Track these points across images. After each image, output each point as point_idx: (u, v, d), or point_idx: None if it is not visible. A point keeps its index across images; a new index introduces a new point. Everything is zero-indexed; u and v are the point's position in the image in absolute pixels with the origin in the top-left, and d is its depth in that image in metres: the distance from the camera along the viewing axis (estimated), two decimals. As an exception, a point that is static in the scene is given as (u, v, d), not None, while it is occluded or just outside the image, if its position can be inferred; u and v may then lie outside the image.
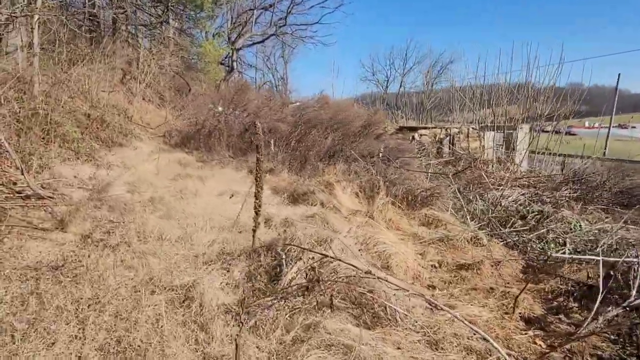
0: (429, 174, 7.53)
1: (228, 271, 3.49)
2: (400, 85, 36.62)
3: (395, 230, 5.16)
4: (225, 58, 24.67)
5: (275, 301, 2.85)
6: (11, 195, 5.37)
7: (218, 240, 4.24)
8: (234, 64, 25.19)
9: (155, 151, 10.49)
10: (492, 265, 4.11)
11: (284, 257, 3.46)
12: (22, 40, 10.19)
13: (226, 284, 3.25)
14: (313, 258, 3.27)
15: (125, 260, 3.69)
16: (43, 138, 7.57)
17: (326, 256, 3.04)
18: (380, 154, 7.63)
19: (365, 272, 2.79)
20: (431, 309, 2.77)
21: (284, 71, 35.09)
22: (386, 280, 2.79)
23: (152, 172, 7.78)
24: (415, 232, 5.46)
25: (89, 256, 3.82)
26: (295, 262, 3.27)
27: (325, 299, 2.80)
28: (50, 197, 5.42)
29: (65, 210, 5.01)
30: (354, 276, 2.83)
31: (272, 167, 8.11)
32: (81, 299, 3.06)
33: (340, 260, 2.96)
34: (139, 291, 3.16)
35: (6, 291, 3.12)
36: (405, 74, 36.85)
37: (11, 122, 7.17)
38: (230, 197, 5.61)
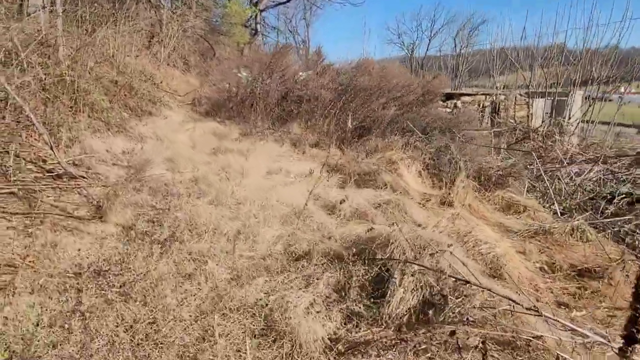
0: (503, 149, 6.58)
1: (309, 284, 2.76)
2: (428, 49, 34.71)
3: (479, 220, 4.33)
4: (248, 20, 23.36)
5: (387, 337, 2.13)
6: (41, 174, 4.71)
7: (284, 236, 3.51)
8: (258, 26, 23.88)
9: (186, 120, 9.74)
10: (621, 271, 3.29)
11: (388, 271, 2.69)
12: (43, 1, 9.35)
13: (312, 302, 2.52)
14: (422, 271, 2.51)
15: (181, 265, 3.00)
16: (71, 107, 6.85)
17: (457, 279, 2.28)
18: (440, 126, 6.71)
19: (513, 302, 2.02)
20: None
21: (306, 34, 33.50)
22: (537, 312, 2.02)
23: (188, 145, 7.05)
24: (499, 221, 4.63)
25: (135, 256, 3.13)
26: (401, 275, 2.52)
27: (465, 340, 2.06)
28: (84, 177, 4.75)
29: (102, 194, 4.33)
30: (503, 309, 2.08)
31: (317, 140, 7.28)
32: (135, 322, 2.38)
33: (482, 287, 2.19)
34: (206, 313, 2.47)
35: (43, 309, 2.46)
36: (433, 36, 34.79)
37: (37, 91, 6.45)
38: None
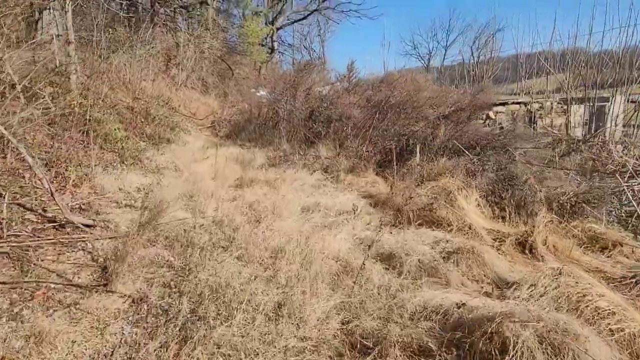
0: (571, 171, 5.58)
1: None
2: (444, 58, 33.80)
3: (569, 265, 3.36)
4: (265, 39, 22.92)
5: None
6: (41, 225, 3.97)
7: (340, 314, 2.63)
8: (275, 44, 23.40)
9: (206, 146, 9.03)
10: None
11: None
12: (57, 28, 8.86)
13: None
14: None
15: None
16: (82, 141, 6.18)
17: None
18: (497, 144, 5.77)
19: None
20: None
21: (321, 50, 32.97)
22: None
23: (209, 176, 6.28)
24: (593, 264, 3.65)
25: (146, 350, 2.30)
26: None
27: None
28: (89, 226, 3.99)
29: (109, 249, 3.55)
30: None
31: (352, 165, 6.42)
32: None
33: None
34: None
35: None
36: (449, 45, 33.88)
37: (43, 124, 5.81)
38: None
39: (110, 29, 10.63)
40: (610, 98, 12.82)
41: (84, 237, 3.71)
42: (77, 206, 4.40)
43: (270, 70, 22.09)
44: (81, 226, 3.84)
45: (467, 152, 5.73)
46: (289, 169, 6.17)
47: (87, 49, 9.64)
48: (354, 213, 4.23)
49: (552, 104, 12.72)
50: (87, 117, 6.72)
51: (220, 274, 3.06)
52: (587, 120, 13.35)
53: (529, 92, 17.55)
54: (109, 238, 3.80)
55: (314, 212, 4.54)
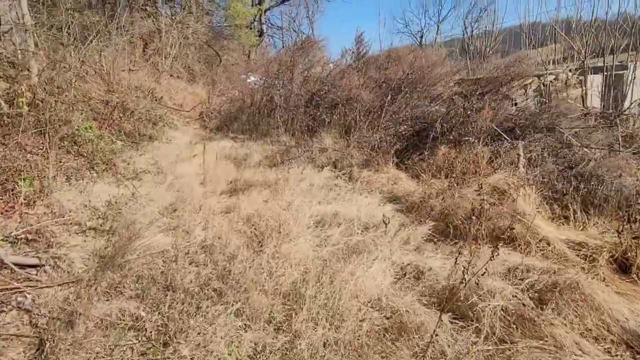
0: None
1: None
2: (437, 34, 32.39)
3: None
4: (253, 22, 21.45)
5: None
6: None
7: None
8: (263, 27, 21.95)
9: (195, 141, 7.89)
10: None
11: None
12: (18, 16, 7.59)
13: None
14: None
15: None
16: (42, 145, 5.04)
17: None
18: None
19: None
20: None
21: (310, 32, 31.38)
22: None
23: (197, 180, 5.17)
24: None
25: None
26: None
27: None
28: (35, 266, 2.92)
29: (57, 306, 2.49)
30: None
31: (366, 158, 5.33)
32: None
33: None
34: None
35: None
36: (441, 21, 32.40)
37: (-12, 127, 4.68)
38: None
39: (78, 14, 9.34)
40: (630, 65, 11.73)
41: (20, 287, 2.63)
42: (22, 236, 3.30)
43: (260, 55, 20.72)
44: (19, 271, 2.76)
45: (505, 135, 4.65)
46: (292, 165, 5.07)
47: (51, 37, 8.39)
48: (385, 226, 3.17)
49: (566, 74, 11.60)
50: (49, 115, 5.60)
51: (211, 346, 2.00)
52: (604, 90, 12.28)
53: (548, 62, 16.37)
54: (58, 285, 2.72)
55: (331, 225, 3.47)
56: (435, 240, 3.13)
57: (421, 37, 34.26)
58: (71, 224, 3.71)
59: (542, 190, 3.79)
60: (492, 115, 4.68)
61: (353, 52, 7.44)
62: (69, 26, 8.55)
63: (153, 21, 13.85)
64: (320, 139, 6.31)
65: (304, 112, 6.70)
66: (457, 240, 3.12)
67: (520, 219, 3.15)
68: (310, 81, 7.24)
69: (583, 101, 11.70)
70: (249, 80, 14.82)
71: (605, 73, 12.23)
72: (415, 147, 5.36)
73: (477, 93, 5.28)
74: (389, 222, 3.20)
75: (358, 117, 5.99)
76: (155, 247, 3.17)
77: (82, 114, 6.69)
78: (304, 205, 3.94)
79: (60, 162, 4.95)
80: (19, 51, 6.79)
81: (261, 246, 3.19)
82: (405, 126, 6.05)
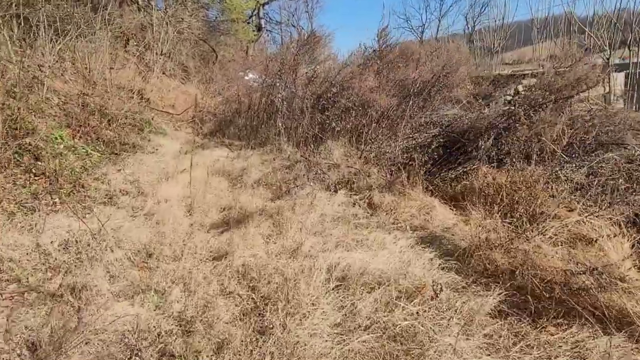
0: None
1: None
2: (438, 29, 31.29)
3: None
4: (250, 17, 20.38)
5: None
6: None
7: None
8: (261, 21, 20.86)
9: (184, 150, 6.89)
10: None
11: None
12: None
13: None
14: None
15: None
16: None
17: None
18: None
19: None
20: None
21: (310, 27, 30.21)
22: None
23: (183, 206, 4.19)
24: None
25: None
26: None
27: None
28: None
29: None
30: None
31: (389, 176, 4.36)
32: None
33: None
34: None
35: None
36: (443, 15, 31.29)
37: None
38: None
39: (61, 5, 8.29)
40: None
41: None
42: None
43: (259, 51, 19.65)
44: None
45: (563, 154, 3.69)
46: (298, 191, 4.10)
47: (22, 29, 7.36)
48: (436, 297, 2.21)
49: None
50: (7, 124, 4.66)
51: None
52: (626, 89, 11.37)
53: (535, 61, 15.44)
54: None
55: (357, 285, 2.51)
56: (509, 318, 2.17)
57: (422, 32, 33.18)
58: (8, 280, 2.74)
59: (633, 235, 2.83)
60: (568, 132, 3.68)
61: (374, 50, 6.41)
62: (43, 18, 7.49)
63: (144, 15, 12.77)
64: (329, 150, 5.34)
65: (310, 118, 5.71)
66: (539, 317, 2.17)
67: (621, 285, 2.20)
68: (315, 82, 6.24)
69: (605, 101, 10.75)
70: (246, 78, 13.82)
71: (630, 70, 11.28)
72: (444, 162, 4.39)
73: (546, 102, 4.26)
74: (440, 290, 2.24)
75: (373, 124, 5.01)
76: (115, 326, 2.21)
77: (53, 120, 5.71)
78: (316, 250, 2.98)
79: (14, 185, 3.97)
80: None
81: (262, 324, 2.23)
82: (431, 136, 5.09)
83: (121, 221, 3.74)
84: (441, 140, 4.92)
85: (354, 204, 4.03)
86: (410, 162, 4.41)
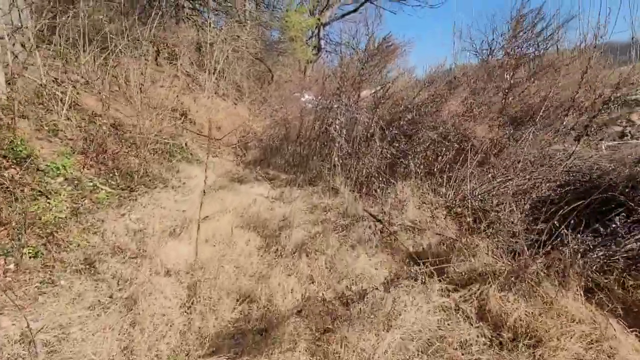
0: None
1: None
2: (505, 54, 28.45)
3: None
4: (310, 37, 19.45)
5: None
6: None
7: None
8: (321, 42, 19.84)
9: (217, 185, 5.57)
10: None
11: None
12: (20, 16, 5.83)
13: None
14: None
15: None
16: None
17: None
18: None
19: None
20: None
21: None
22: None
23: (185, 287, 2.74)
24: None
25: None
26: None
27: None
28: None
29: None
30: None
31: (514, 262, 2.62)
32: None
33: None
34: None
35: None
36: (511, 39, 28.50)
37: None
38: None
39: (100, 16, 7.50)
40: None
41: None
42: None
43: (316, 73, 18.58)
44: None
45: None
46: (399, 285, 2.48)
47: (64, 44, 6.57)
48: None
49: None
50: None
51: None
52: None
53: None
54: None
55: None
56: None
57: (488, 55, 30.51)
58: None
59: None
60: None
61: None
62: (87, 30, 6.64)
63: (199, 32, 12.02)
64: (402, 199, 3.69)
65: (378, 151, 4.12)
66: None
67: None
68: (385, 105, 4.66)
69: None
70: (302, 99, 12.63)
71: None
72: (594, 235, 2.58)
73: None
74: None
75: (470, 166, 3.31)
76: None
77: (66, 144, 4.63)
78: None
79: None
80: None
81: None
82: (559, 188, 3.29)
83: (81, 316, 2.35)
84: (578, 193, 3.12)
85: (457, 309, 2.33)
86: (537, 233, 2.65)
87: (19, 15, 5.58)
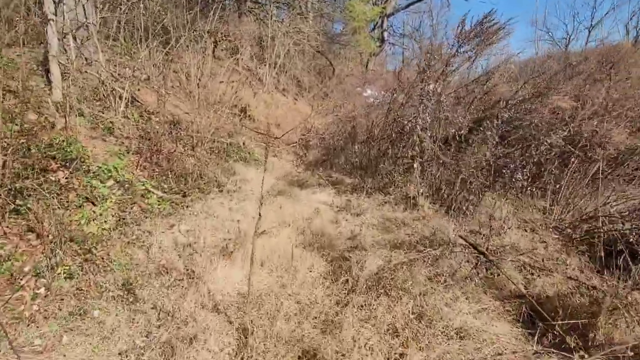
0: None
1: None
2: (587, 41, 25.30)
3: None
4: (373, 29, 18.51)
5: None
6: None
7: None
8: (384, 34, 18.83)
9: (278, 185, 5.03)
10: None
11: None
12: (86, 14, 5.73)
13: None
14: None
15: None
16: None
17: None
18: None
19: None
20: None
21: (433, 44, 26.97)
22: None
23: (233, 332, 2.17)
24: None
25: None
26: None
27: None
28: None
29: None
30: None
31: None
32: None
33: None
34: None
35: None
36: (594, 25, 25.19)
37: None
38: None
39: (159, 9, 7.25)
40: None
41: None
42: None
43: (379, 66, 17.60)
44: None
45: None
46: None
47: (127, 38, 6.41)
48: None
49: None
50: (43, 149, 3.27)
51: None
52: None
53: None
54: None
55: None
56: None
57: (567, 44, 27.43)
58: None
59: None
60: None
61: None
62: (148, 24, 6.41)
63: (260, 26, 11.62)
64: (504, 228, 2.85)
65: (483, 157, 3.29)
66: None
67: None
68: (474, 99, 3.77)
69: None
70: (365, 94, 11.86)
71: None
72: None
73: None
74: None
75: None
76: None
77: (121, 143, 4.32)
78: None
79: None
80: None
81: None
82: None
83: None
84: None
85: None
86: None
87: (84, 10, 5.42)
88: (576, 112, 3.39)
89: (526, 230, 3.10)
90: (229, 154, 5.43)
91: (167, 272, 2.78)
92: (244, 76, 9.60)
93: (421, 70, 3.66)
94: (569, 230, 2.96)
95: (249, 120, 7.90)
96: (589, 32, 23.94)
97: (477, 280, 2.37)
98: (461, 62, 3.65)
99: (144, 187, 3.90)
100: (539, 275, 2.42)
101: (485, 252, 2.42)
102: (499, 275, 2.44)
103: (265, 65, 10.49)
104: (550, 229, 3.04)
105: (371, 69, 16.15)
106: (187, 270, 2.83)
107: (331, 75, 13.72)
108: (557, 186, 3.20)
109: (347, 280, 2.57)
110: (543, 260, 2.37)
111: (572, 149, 2.90)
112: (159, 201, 3.82)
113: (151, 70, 6.14)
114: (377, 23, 18.48)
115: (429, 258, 2.53)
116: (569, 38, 26.92)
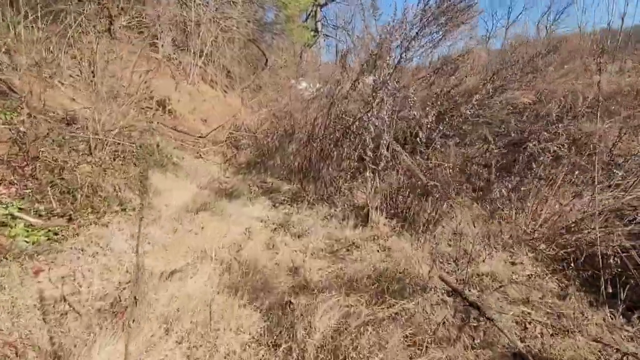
0: None
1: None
2: (505, 39, 26.90)
3: None
4: (306, 19, 17.76)
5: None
6: None
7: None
8: (318, 24, 18.17)
9: (200, 198, 4.08)
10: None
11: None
12: None
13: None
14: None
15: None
16: None
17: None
18: None
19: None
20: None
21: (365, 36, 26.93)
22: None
23: None
24: None
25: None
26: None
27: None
28: None
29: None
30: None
31: None
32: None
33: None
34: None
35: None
36: (510, 25, 26.94)
37: None
38: None
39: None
40: None
41: None
42: None
43: (314, 58, 16.89)
44: None
45: None
46: None
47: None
48: None
49: None
50: None
51: None
52: None
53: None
54: None
55: None
56: None
57: (487, 41, 28.90)
58: None
59: None
60: None
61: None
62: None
63: (183, 10, 10.27)
64: (475, 253, 2.27)
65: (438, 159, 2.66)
66: None
67: None
68: (438, 90, 3.16)
69: None
70: (299, 87, 11.10)
71: None
72: None
73: None
74: None
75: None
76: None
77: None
78: None
79: None
80: None
81: None
82: None
83: None
84: None
85: None
86: None
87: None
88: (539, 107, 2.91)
89: (498, 249, 2.56)
90: (139, 159, 4.35)
91: (17, 356, 1.79)
92: (163, 64, 8.36)
93: (374, 55, 2.95)
94: (543, 245, 2.46)
95: (170, 115, 6.74)
96: (506, 30, 25.31)
97: (465, 341, 1.71)
98: (425, 45, 3.01)
99: (6, 212, 2.78)
100: (526, 322, 1.84)
101: (478, 304, 1.78)
102: (491, 328, 1.82)
103: (189, 53, 9.26)
104: (523, 243, 2.51)
105: (306, 60, 15.39)
106: (51, 349, 1.87)
107: (264, 66, 12.72)
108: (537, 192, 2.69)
109: (290, 349, 1.79)
110: (559, 317, 1.78)
111: (564, 149, 2.39)
112: (27, 231, 2.74)
113: (41, 55, 4.85)
114: (310, 13, 17.74)
115: (402, 314, 1.84)
116: (488, 36, 28.27)
